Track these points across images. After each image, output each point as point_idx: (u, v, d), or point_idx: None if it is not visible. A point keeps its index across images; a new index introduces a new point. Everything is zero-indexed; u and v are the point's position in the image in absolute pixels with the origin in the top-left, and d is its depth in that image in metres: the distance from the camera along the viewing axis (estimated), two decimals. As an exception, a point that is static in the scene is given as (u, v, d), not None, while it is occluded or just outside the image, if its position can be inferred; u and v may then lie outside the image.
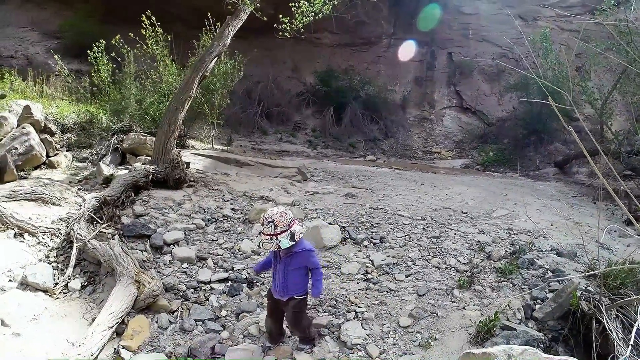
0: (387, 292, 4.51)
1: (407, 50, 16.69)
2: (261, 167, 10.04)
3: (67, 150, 7.84)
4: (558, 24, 11.37)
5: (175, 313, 4.02)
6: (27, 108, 7.37)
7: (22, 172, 6.46)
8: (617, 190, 3.82)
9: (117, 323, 3.53)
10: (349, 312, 4.14)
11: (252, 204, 6.77)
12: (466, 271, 4.84)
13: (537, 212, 6.88)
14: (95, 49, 8.68)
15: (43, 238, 4.89)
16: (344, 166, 11.70)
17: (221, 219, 6.14)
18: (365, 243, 5.69)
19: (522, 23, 15.68)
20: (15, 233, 4.81)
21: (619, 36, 6.23)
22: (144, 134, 8.22)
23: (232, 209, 6.52)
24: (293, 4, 8.27)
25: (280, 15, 8.20)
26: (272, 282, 3.45)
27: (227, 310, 4.17)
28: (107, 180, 6.63)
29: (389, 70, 17.45)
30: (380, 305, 4.26)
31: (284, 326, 3.65)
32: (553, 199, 7.99)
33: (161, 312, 3.96)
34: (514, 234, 6.12)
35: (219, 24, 9.02)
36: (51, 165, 7.15)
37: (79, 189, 6.36)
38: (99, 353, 3.32)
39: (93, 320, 3.72)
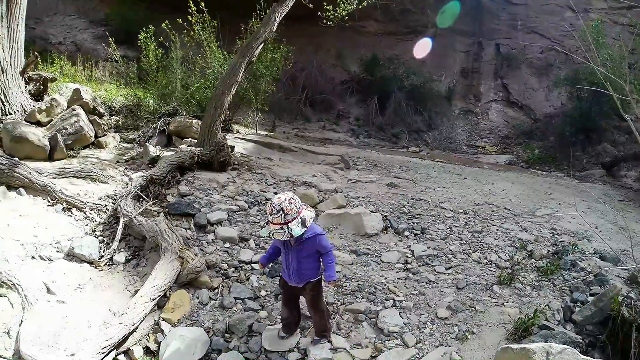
0: (426, 283, 4.46)
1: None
2: (304, 154, 10.06)
3: (115, 132, 8.04)
4: (610, 16, 10.77)
5: (216, 290, 4.09)
6: (76, 91, 7.62)
7: (71, 152, 6.67)
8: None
9: (159, 296, 3.63)
10: (387, 300, 4.11)
11: (294, 189, 6.81)
12: (507, 268, 4.73)
13: (582, 213, 6.60)
14: (144, 34, 8.85)
15: (90, 213, 5.08)
16: (386, 156, 11.54)
17: (264, 202, 6.18)
18: (407, 233, 5.65)
19: (573, 15, 14.96)
20: (64, 208, 5.03)
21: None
22: (189, 117, 8.38)
23: (275, 193, 6.51)
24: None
25: (325, 3, 8.17)
26: (283, 271, 3.36)
27: (266, 291, 4.22)
28: (154, 161, 6.80)
29: (435, 61, 17.06)
30: (418, 295, 4.22)
31: (300, 313, 3.60)
32: (598, 202, 7.61)
33: (202, 288, 4.05)
34: (557, 234, 5.90)
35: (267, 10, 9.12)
36: (99, 146, 7.36)
37: (126, 169, 6.53)
38: (140, 323, 3.42)
39: (136, 292, 3.83)
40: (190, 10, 8.69)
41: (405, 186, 8.04)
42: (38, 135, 6.17)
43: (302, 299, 3.54)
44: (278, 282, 3.80)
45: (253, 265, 4.57)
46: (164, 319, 3.58)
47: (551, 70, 15.55)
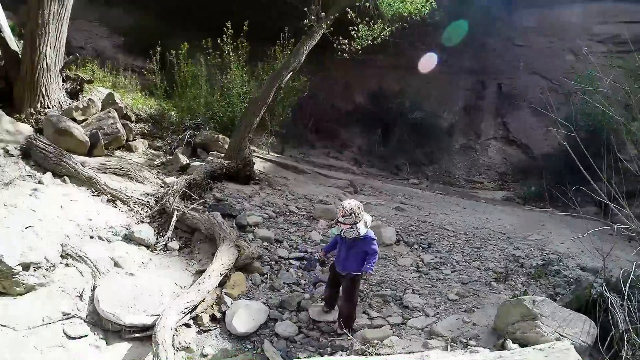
0: (437, 280, 5.58)
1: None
2: (316, 176, 11.09)
3: (142, 139, 8.84)
4: (610, 59, 11.91)
5: (265, 275, 5.14)
6: (110, 95, 8.48)
7: (107, 151, 7.41)
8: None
9: (226, 272, 4.57)
10: (407, 290, 5.21)
11: (313, 205, 7.88)
12: (502, 272, 5.89)
13: (570, 241, 7.70)
14: (182, 50, 9.82)
15: (134, 207, 5.90)
16: (389, 185, 12.58)
17: (288, 213, 7.26)
18: (416, 246, 6.78)
19: (574, 57, 16.24)
20: (108, 199, 5.79)
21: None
22: (215, 132, 9.34)
23: (297, 207, 7.66)
24: (353, 28, 9.38)
25: (341, 37, 9.29)
26: (335, 258, 4.32)
27: (304, 280, 5.26)
28: (183, 168, 7.77)
29: (439, 96, 18.26)
30: (431, 287, 5.34)
31: (338, 294, 4.45)
32: (588, 235, 8.67)
33: (254, 273, 5.07)
34: (545, 253, 7.07)
35: (293, 40, 10.27)
36: (129, 149, 8.08)
37: (158, 172, 7.43)
38: (209, 294, 4.29)
39: (196, 272, 4.77)
40: (225, 32, 9.64)
41: (410, 210, 9.10)
42: (81, 131, 6.89)
43: None
44: (329, 266, 4.65)
45: (290, 260, 5.62)
46: (226, 294, 4.51)
47: (551, 110, 16.68)
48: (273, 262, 5.45)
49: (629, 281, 3.94)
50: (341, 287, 4.32)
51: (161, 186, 6.68)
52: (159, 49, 9.88)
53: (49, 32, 7.21)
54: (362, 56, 9.60)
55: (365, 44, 9.43)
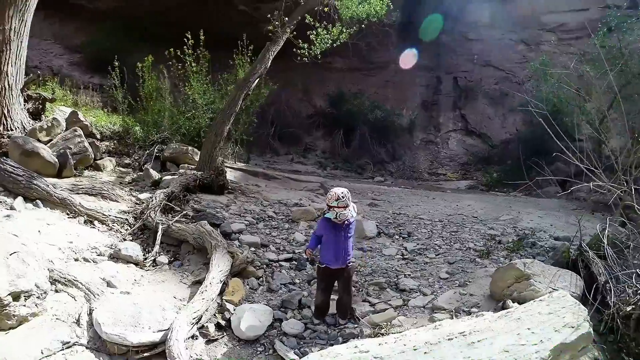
0: (424, 264, 5.87)
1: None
2: (287, 181, 11.14)
3: (108, 156, 8.67)
4: (560, 47, 12.51)
5: (261, 279, 5.17)
6: (74, 113, 8.26)
7: (75, 171, 7.18)
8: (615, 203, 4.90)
9: (224, 278, 4.57)
10: (399, 275, 5.43)
11: (289, 209, 7.92)
12: (483, 250, 6.28)
13: (539, 217, 8.15)
14: (146, 63, 9.69)
15: (113, 225, 5.78)
16: (356, 185, 12.80)
17: (267, 218, 7.31)
18: (396, 236, 7.02)
19: (526, 47, 16.99)
20: (85, 220, 5.64)
21: (613, 60, 7.42)
22: (184, 145, 9.24)
23: (274, 212, 7.71)
24: (312, 32, 9.51)
25: (300, 41, 9.40)
26: (328, 256, 4.28)
27: (298, 279, 5.30)
28: (156, 183, 7.67)
29: (397, 95, 18.73)
30: (421, 270, 5.63)
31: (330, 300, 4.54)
32: (554, 211, 9.16)
33: (250, 277, 5.10)
34: (519, 230, 7.49)
35: (251, 47, 10.29)
36: (97, 168, 7.92)
37: (131, 189, 7.29)
38: (213, 302, 4.27)
39: (192, 283, 4.74)
40: (186, 43, 9.58)
41: (383, 205, 9.33)
42: (49, 152, 6.68)
43: None
44: (316, 272, 4.70)
45: (280, 263, 5.67)
46: (227, 301, 4.49)
47: (506, 99, 17.45)
48: (265, 266, 5.48)
49: (605, 237, 4.21)
50: (339, 282, 4.41)
51: (136, 203, 6.59)
52: (117, 62, 9.70)
53: (10, 49, 6.97)
54: (320, 59, 9.74)
55: (325, 47, 9.57)
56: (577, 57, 8.40)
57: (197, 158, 8.87)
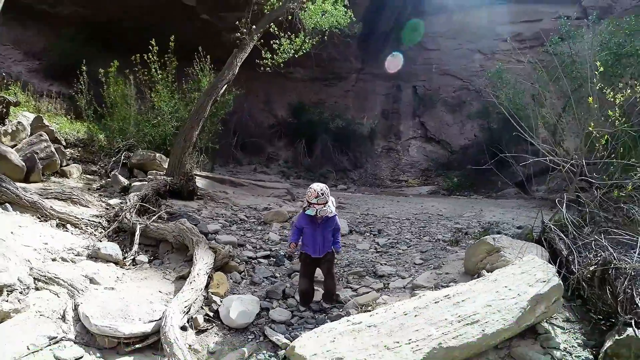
0: (397, 255, 6.22)
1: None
2: (254, 188, 11.30)
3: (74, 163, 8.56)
4: (514, 56, 13.22)
5: (243, 273, 5.30)
6: (38, 118, 8.17)
7: (42, 177, 7.11)
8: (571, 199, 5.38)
9: (210, 270, 4.66)
10: (375, 265, 5.72)
11: (259, 213, 8.17)
12: (452, 239, 6.75)
13: (501, 214, 8.73)
14: (112, 69, 9.69)
15: (87, 228, 5.74)
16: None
17: (239, 221, 7.50)
18: (367, 234, 7.37)
19: (482, 57, 17.87)
20: (57, 224, 5.58)
21: (564, 67, 8.04)
22: (151, 151, 9.24)
23: (245, 216, 7.91)
24: (275, 41, 9.79)
25: (263, 51, 9.65)
26: (307, 247, 4.55)
27: (279, 274, 5.47)
28: (125, 189, 7.69)
29: (357, 104, 19.29)
30: (396, 259, 5.98)
31: (313, 286, 4.76)
32: (514, 209, 9.75)
33: (232, 271, 5.22)
34: (483, 223, 8.02)
35: (209, 56, 10.47)
36: (63, 174, 7.80)
37: (100, 195, 7.26)
38: (201, 292, 4.39)
39: (176, 279, 4.82)
40: (151, 50, 9.66)
41: (351, 208, 9.70)
42: (17, 155, 6.58)
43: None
44: (299, 258, 4.92)
45: (259, 259, 5.84)
46: (213, 293, 4.59)
47: (464, 107, 18.28)
48: (244, 263, 5.61)
49: (565, 217, 4.64)
50: (322, 269, 4.63)
51: (106, 208, 6.56)
52: (85, 67, 9.64)
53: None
54: (283, 69, 10.01)
55: (288, 57, 9.86)
56: (532, 65, 8.98)
57: (165, 165, 8.92)
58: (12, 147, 7.16)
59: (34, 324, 3.67)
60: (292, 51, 10.04)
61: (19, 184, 6.03)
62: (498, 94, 11.74)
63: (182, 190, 8.04)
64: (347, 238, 6.98)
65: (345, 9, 10.41)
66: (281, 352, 3.83)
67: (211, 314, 4.39)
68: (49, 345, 3.45)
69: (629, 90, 4.84)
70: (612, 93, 4.84)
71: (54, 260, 4.74)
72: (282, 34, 9.74)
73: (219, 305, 4.44)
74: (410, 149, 18.95)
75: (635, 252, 3.70)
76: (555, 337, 3.40)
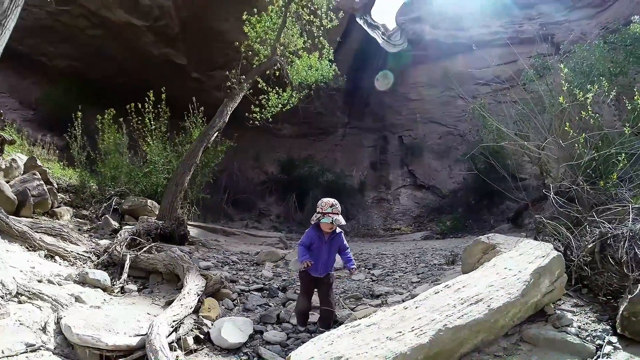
0: (393, 280, 6.07)
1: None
2: (246, 237, 11.18)
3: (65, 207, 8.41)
4: (495, 98, 13.56)
5: (235, 300, 5.07)
6: (32, 159, 8.08)
7: (33, 214, 6.91)
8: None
9: (200, 292, 4.45)
10: (371, 288, 5.53)
11: (252, 257, 8.01)
12: (448, 259, 6.69)
13: None
14: (107, 116, 9.79)
15: (76, 262, 5.53)
16: (314, 244, 12.97)
17: (231, 263, 7.35)
18: (362, 267, 7.26)
19: (463, 102, 18.31)
20: (46, 255, 5.39)
21: (548, 97, 8.23)
22: (143, 198, 9.14)
23: (237, 259, 7.73)
24: (264, 96, 10.03)
25: (252, 106, 9.83)
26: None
27: (272, 303, 5.23)
28: (115, 231, 7.48)
29: (346, 157, 19.55)
30: (393, 282, 5.83)
31: (310, 306, 4.57)
32: (509, 240, 9.78)
33: (224, 299, 5.01)
34: None
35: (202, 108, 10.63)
36: (54, 215, 7.59)
37: (90, 236, 7.07)
38: (190, 313, 4.17)
39: (165, 304, 4.58)
40: (146, 100, 9.77)
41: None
42: (9, 188, 6.44)
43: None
44: (298, 276, 4.66)
45: (252, 292, 5.58)
46: (204, 317, 4.37)
47: (450, 152, 18.54)
48: (236, 293, 5.38)
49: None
50: (320, 290, 4.43)
51: (96, 247, 6.38)
52: (80, 113, 9.68)
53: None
54: (272, 125, 10.16)
55: (276, 111, 10.04)
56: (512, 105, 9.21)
57: (156, 212, 8.78)
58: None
59: (13, 331, 3.43)
60: (280, 105, 10.25)
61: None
62: (482, 136, 11.94)
63: (174, 234, 7.86)
64: (342, 272, 6.73)
65: (330, 63, 10.74)
66: (277, 372, 3.62)
67: (202, 336, 4.15)
68: (26, 352, 3.24)
69: (596, 86, 4.96)
70: (581, 93, 4.94)
71: (39, 281, 4.50)
72: (270, 89, 9.98)
73: (210, 328, 4.22)
74: (400, 198, 19.03)
75: (629, 220, 3.64)
76: (566, 315, 3.27)
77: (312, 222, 4.37)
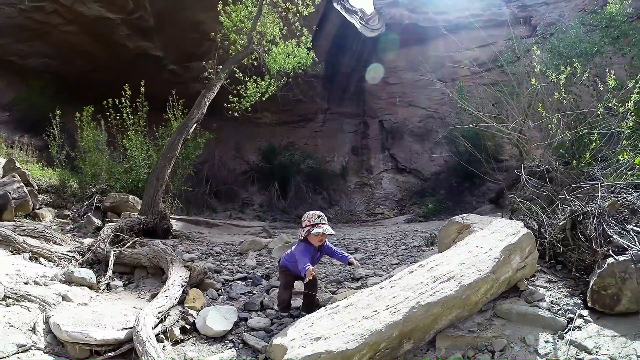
0: (374, 263, 6.23)
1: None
2: (229, 227, 11.22)
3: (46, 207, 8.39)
4: (474, 80, 13.72)
5: (220, 290, 5.17)
6: (11, 161, 8.06)
7: (14, 217, 6.92)
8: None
9: (185, 284, 4.54)
10: (352, 272, 5.66)
11: (236, 247, 8.10)
12: (428, 239, 6.84)
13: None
14: (85, 113, 9.76)
15: (60, 262, 5.59)
16: (297, 231, 13.03)
17: (215, 254, 7.42)
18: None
19: (442, 85, 18.48)
20: (31, 257, 5.46)
21: (521, 82, 8.39)
22: (125, 193, 9.13)
23: (221, 249, 7.80)
24: (241, 86, 10.02)
25: (230, 96, 9.83)
26: (294, 268, 4.33)
27: (256, 291, 5.33)
28: (98, 229, 7.51)
29: (327, 143, 19.65)
30: (373, 266, 5.97)
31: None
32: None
33: (208, 289, 5.09)
34: None
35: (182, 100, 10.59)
36: (36, 217, 7.60)
37: (74, 235, 7.11)
38: (176, 304, 4.26)
39: (151, 296, 4.67)
40: (124, 95, 9.74)
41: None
42: None
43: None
44: (279, 271, 4.73)
45: (236, 281, 5.69)
46: (189, 307, 4.47)
47: (431, 135, 18.73)
48: (220, 283, 5.47)
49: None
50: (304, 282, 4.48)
51: (80, 245, 6.42)
52: (58, 112, 9.67)
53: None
54: (252, 114, 10.18)
55: (254, 100, 10.05)
56: (491, 87, 9.35)
57: (138, 207, 8.79)
58: (-17, 186, 7.00)
59: (3, 333, 3.52)
60: (259, 94, 10.25)
61: (-12, 221, 5.92)
62: (461, 119, 12.09)
63: (157, 228, 7.91)
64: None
65: (308, 50, 10.76)
66: (261, 356, 3.72)
67: (188, 326, 4.25)
68: (17, 352, 3.33)
69: (568, 68, 5.09)
70: (553, 74, 5.08)
71: (26, 283, 4.59)
72: (248, 78, 9.98)
73: (195, 318, 4.32)
74: (383, 182, 19.23)
75: (598, 198, 3.82)
76: (538, 291, 3.44)
77: (301, 238, 4.24)
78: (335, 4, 17.96)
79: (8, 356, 3.27)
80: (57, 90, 14.03)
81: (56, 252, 5.71)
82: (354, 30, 18.88)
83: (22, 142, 10.25)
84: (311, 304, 4.50)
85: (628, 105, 4.72)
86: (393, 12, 20.32)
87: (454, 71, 18.46)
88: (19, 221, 6.83)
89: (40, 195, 8.48)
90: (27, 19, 13.87)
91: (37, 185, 8.70)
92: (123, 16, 14.30)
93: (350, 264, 4.23)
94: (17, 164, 8.04)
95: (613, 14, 10.09)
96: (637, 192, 3.94)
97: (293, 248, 4.44)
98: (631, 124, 4.77)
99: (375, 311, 2.86)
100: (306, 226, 4.16)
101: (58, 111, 9.59)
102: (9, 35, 14.04)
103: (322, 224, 4.10)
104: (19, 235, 5.85)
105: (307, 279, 3.81)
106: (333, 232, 4.28)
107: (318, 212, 4.21)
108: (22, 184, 7.23)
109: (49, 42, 14.49)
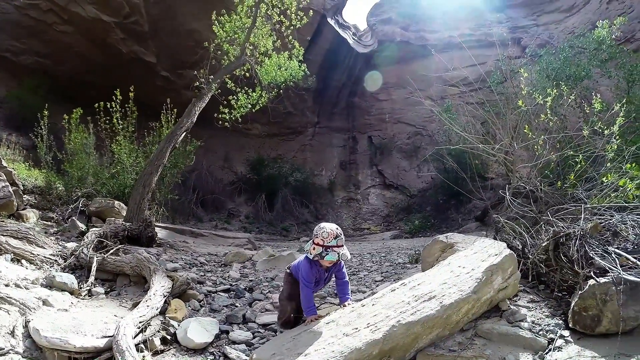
0: (358, 279, 6.21)
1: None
2: (214, 238, 11.21)
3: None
4: (463, 98, 13.87)
5: (202, 302, 5.17)
6: None
7: None
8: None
9: (167, 294, 4.52)
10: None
11: (220, 259, 8.09)
12: (413, 257, 6.93)
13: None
14: (74, 115, 9.68)
15: (43, 265, 5.51)
16: (283, 243, 13.16)
17: (199, 264, 7.42)
18: None
19: (432, 103, 18.69)
20: (12, 258, 5.37)
21: (508, 102, 8.53)
22: (110, 199, 9.08)
23: (206, 260, 7.80)
24: (233, 97, 10.07)
25: (220, 107, 9.86)
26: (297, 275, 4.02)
27: (239, 304, 5.33)
28: (82, 234, 7.45)
29: (315, 157, 19.74)
30: (357, 282, 5.96)
31: None
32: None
33: (191, 300, 5.09)
34: None
35: (175, 110, 10.59)
36: (20, 218, 7.50)
37: (57, 239, 7.03)
38: (157, 315, 4.24)
39: (132, 306, 4.63)
40: (114, 100, 9.72)
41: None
42: None
43: None
44: (284, 279, 4.33)
45: (218, 293, 5.69)
46: (171, 318, 4.46)
47: (419, 152, 18.91)
48: (203, 294, 5.47)
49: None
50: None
51: (60, 250, 6.35)
52: (46, 112, 9.59)
53: None
54: (242, 125, 10.22)
55: (245, 111, 10.09)
56: (480, 106, 9.47)
57: (124, 213, 8.74)
58: (-33, 185, 6.91)
59: (-19, 337, 3.50)
60: (250, 105, 10.30)
61: (-31, 222, 5.85)
62: (449, 137, 12.22)
63: (141, 236, 7.87)
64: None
65: (300, 63, 10.85)
66: (242, 370, 3.74)
67: (168, 336, 4.24)
68: (-5, 356, 3.28)
69: (555, 91, 5.20)
70: (540, 97, 5.18)
71: (7, 285, 4.50)
72: (240, 89, 10.03)
73: (177, 329, 4.31)
74: (370, 197, 19.35)
75: (581, 219, 3.90)
76: (520, 311, 3.48)
77: (310, 256, 3.58)
78: (329, 19, 18.19)
79: (-17, 359, 3.22)
80: (48, 90, 13.94)
81: (39, 254, 5.64)
82: (346, 45, 19.11)
83: (10, 141, 10.14)
84: (295, 319, 4.49)
85: (613, 129, 4.83)
86: (386, 29, 20.63)
87: (444, 89, 18.66)
88: (2, 221, 6.71)
89: (25, 196, 8.39)
90: (23, 15, 13.88)
91: (23, 186, 8.65)
92: (118, 20, 14.37)
93: (343, 305, 3.61)
94: (4, 163, 7.94)
95: (601, 37, 10.31)
96: (620, 214, 4.03)
97: (298, 261, 4.00)
98: (616, 146, 4.87)
99: (356, 329, 2.89)
100: (317, 244, 3.50)
101: (46, 111, 9.52)
102: (3, 31, 14.03)
103: (339, 246, 3.46)
104: (2, 235, 5.79)
105: (306, 322, 3.47)
106: (349, 257, 3.71)
107: (335, 230, 3.51)
108: (7, 184, 7.15)
109: (44, 40, 14.47)
